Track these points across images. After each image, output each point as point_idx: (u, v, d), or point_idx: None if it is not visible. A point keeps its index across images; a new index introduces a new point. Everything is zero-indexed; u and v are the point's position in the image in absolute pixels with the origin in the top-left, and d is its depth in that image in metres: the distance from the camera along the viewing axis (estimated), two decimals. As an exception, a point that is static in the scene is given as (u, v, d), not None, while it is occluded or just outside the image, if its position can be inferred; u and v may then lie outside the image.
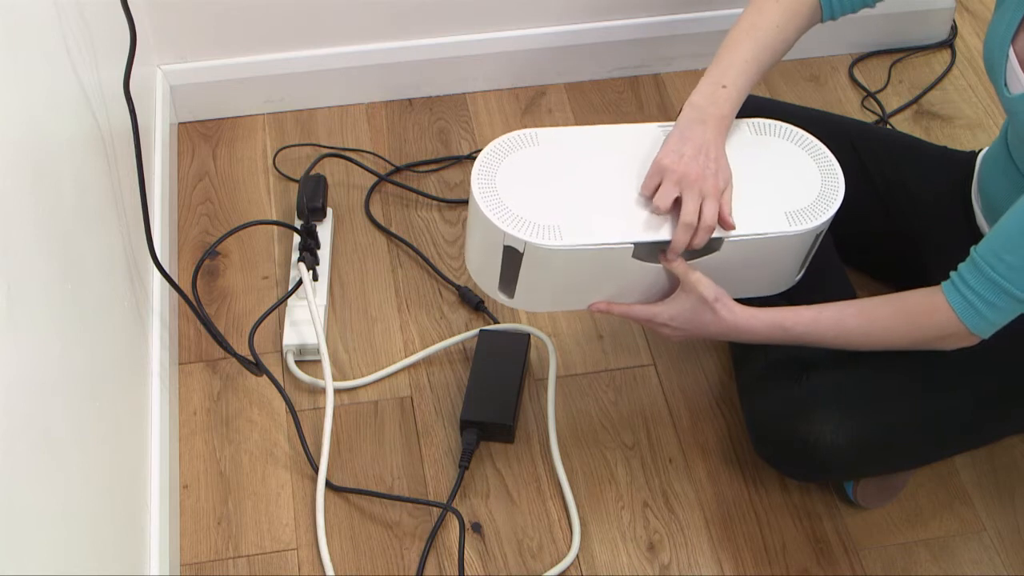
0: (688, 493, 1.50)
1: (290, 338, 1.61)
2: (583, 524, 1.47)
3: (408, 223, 1.79)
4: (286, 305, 1.64)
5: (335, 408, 1.54)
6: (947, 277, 1.25)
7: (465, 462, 1.49)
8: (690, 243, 1.28)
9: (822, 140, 1.40)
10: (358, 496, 1.48)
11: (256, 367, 1.54)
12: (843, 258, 1.56)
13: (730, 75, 1.31)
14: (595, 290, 1.35)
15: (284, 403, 1.55)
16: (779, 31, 1.34)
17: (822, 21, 1.40)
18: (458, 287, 1.69)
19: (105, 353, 1.27)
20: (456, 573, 1.41)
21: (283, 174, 1.85)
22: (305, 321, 1.61)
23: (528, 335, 1.61)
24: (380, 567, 1.43)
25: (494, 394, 1.54)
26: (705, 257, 1.31)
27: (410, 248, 1.75)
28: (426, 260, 1.73)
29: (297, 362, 1.60)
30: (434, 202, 1.82)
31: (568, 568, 1.43)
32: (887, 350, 1.33)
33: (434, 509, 1.47)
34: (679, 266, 1.30)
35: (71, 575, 0.99)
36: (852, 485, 1.45)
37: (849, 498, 1.47)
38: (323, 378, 1.54)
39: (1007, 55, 1.31)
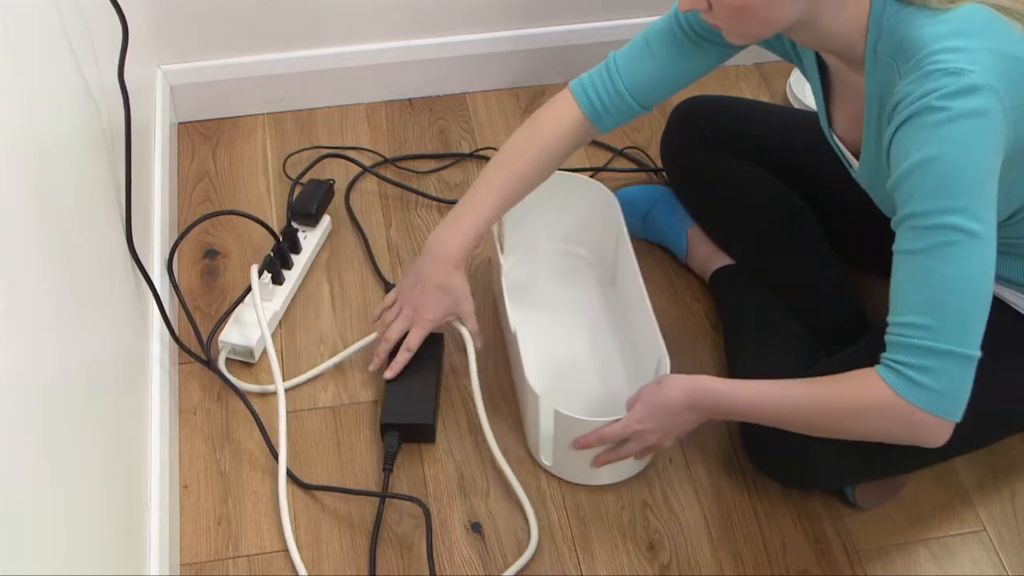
0: (688, 493, 1.50)
1: (229, 335, 1.60)
2: (583, 524, 1.47)
3: (408, 223, 1.79)
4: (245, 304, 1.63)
5: (287, 412, 1.53)
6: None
7: (388, 465, 1.48)
8: (383, 361, 1.51)
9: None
10: (323, 493, 1.48)
11: (208, 365, 1.56)
12: (842, 255, 1.59)
13: (466, 222, 1.46)
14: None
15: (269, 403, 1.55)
16: (527, 178, 1.48)
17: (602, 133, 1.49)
18: (388, 284, 1.71)
19: (105, 353, 1.27)
20: (456, 573, 1.41)
21: (289, 177, 1.84)
22: (252, 323, 1.60)
23: (442, 334, 1.60)
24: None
25: (412, 395, 1.53)
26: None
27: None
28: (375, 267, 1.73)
29: (247, 363, 1.61)
30: (434, 202, 1.82)
31: (568, 568, 1.43)
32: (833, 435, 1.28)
33: (409, 503, 1.47)
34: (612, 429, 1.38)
35: (71, 575, 0.99)
36: (851, 487, 1.45)
37: (849, 500, 1.47)
38: (264, 381, 1.57)
39: (835, 140, 1.37)
